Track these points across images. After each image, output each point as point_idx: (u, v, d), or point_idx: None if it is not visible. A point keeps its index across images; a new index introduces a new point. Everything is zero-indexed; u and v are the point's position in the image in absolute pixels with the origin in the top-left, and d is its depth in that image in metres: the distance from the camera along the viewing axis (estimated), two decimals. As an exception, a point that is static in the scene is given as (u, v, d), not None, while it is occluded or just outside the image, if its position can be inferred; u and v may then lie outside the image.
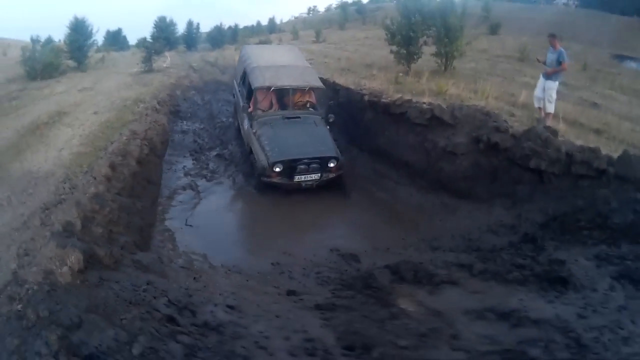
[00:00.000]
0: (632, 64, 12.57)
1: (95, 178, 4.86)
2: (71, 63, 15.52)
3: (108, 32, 30.18)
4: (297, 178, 6.98)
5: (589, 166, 5.56)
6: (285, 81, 7.90)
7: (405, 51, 11.01)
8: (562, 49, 6.99)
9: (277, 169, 6.87)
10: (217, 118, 11.76)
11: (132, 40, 30.04)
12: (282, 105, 8.12)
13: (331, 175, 7.27)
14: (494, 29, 16.60)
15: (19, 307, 2.59)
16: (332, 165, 7.19)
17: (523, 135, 6.18)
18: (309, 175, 7.05)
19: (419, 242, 6.20)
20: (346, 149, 9.08)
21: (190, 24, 30.32)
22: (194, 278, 4.29)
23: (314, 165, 7.02)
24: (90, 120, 8.10)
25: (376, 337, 2.79)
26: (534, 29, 15.38)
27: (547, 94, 6.94)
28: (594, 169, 5.51)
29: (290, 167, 6.93)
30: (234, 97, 10.37)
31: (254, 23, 39.49)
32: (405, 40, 10.77)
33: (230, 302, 3.51)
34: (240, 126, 8.91)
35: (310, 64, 15.21)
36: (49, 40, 17.66)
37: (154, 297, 3.25)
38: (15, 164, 5.79)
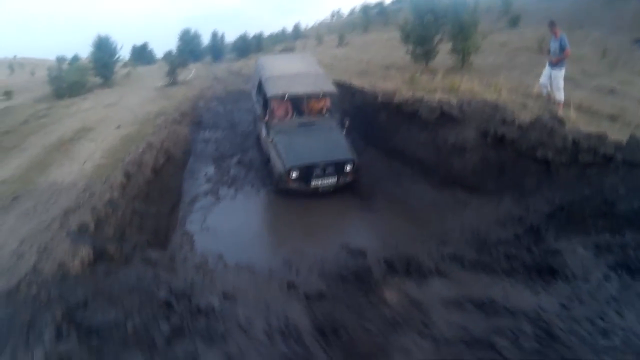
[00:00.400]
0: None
1: (111, 186, 5.49)
2: (97, 80, 16.83)
3: (134, 47, 32.08)
4: (314, 183, 7.33)
5: (595, 153, 5.60)
6: (299, 89, 8.31)
7: (420, 50, 11.29)
8: (563, 36, 7.09)
9: (294, 175, 7.22)
10: (238, 126, 12.48)
11: (159, 53, 31.83)
12: (298, 113, 8.58)
13: (348, 179, 7.57)
14: (513, 22, 16.63)
15: (35, 290, 3.15)
16: (348, 168, 7.48)
17: (529, 126, 6.31)
18: (325, 180, 7.38)
19: (429, 238, 6.42)
20: (364, 150, 9.54)
21: (214, 35, 31.76)
22: (202, 273, 4.79)
23: (330, 170, 7.34)
24: (112, 134, 8.91)
25: (349, 323, 3.10)
26: (554, 18, 15.18)
27: (554, 83, 7.04)
28: (601, 156, 5.55)
29: (307, 173, 7.25)
30: (253, 105, 11.00)
31: (279, 31, 40.70)
32: (419, 40, 11.07)
33: (227, 292, 3.94)
34: (259, 134, 9.46)
35: (331, 68, 15.89)
36: (76, 59, 19.19)
37: (157, 287, 3.74)
38: (42, 177, 6.54)
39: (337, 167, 7.39)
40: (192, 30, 29.81)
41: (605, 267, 3.99)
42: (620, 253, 4.19)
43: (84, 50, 17.15)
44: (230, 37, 34.64)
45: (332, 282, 4.36)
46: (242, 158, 9.81)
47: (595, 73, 9.49)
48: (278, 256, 5.87)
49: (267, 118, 8.28)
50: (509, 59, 11.51)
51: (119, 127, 9.52)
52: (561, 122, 6.23)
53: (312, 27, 40.88)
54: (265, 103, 8.56)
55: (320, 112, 8.67)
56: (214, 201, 7.85)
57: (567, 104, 7.19)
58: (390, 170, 8.69)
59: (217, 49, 31.35)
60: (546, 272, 3.90)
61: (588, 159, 5.65)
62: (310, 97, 8.49)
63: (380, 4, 31.63)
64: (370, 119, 9.91)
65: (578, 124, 6.51)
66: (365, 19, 28.23)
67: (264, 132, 8.51)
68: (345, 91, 10.99)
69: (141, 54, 31.26)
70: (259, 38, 32.90)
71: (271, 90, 8.26)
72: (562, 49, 7.03)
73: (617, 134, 5.86)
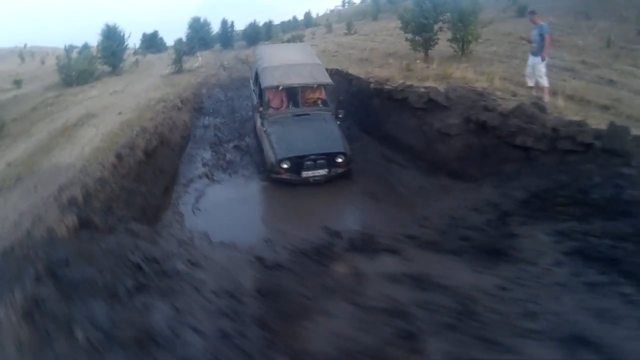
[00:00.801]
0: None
1: (103, 166, 6.12)
2: (106, 68, 17.68)
3: (144, 35, 33.04)
4: (304, 174, 7.65)
5: (574, 141, 5.90)
6: (294, 80, 8.64)
7: (420, 38, 11.62)
8: (543, 24, 7.39)
9: (285, 166, 7.57)
10: (237, 113, 13.10)
11: (169, 41, 32.69)
12: (293, 103, 8.97)
13: (340, 170, 7.86)
14: (521, 11, 16.70)
15: (25, 249, 3.77)
16: (340, 160, 7.77)
17: (510, 113, 6.64)
18: (316, 171, 7.69)
19: (410, 222, 6.86)
20: (357, 136, 10.06)
21: (224, 22, 32.37)
22: (183, 247, 5.36)
23: (321, 161, 7.64)
24: (113, 120, 9.59)
25: (289, 289, 3.56)
26: (561, 9, 15.50)
27: (536, 71, 7.34)
28: (579, 144, 5.84)
29: (298, 164, 7.58)
30: (251, 94, 11.51)
31: (291, 19, 41.17)
32: (418, 28, 11.40)
33: (195, 260, 4.50)
34: (255, 123, 9.94)
35: (335, 55, 16.33)
36: (86, 47, 20.09)
37: (132, 252, 4.30)
38: (45, 160, 7.23)
39: (329, 159, 7.69)
40: (202, 18, 30.61)
41: (560, 253, 4.20)
42: (581, 240, 4.39)
43: (95, 39, 18.02)
44: (241, 24, 35.32)
45: (295, 256, 4.85)
46: (239, 143, 10.41)
47: (597, 64, 9.69)
48: (261, 235, 6.36)
49: (262, 108, 8.64)
50: (512, 48, 11.74)
51: (120, 113, 10.20)
52: (543, 109, 6.54)
53: (324, 15, 41.29)
54: (261, 93, 8.94)
55: (315, 103, 9.00)
56: (209, 184, 8.41)
57: (556, 92, 7.47)
58: (381, 156, 9.11)
59: (226, 36, 31.99)
60: (494, 254, 4.20)
61: (567, 147, 5.93)
62: (305, 88, 8.80)
63: (390, -8, 31.68)
64: (364, 105, 10.35)
65: (566, 112, 6.78)
66: (375, 8, 28.49)
67: (258, 123, 8.93)
68: (342, 79, 11.44)
69: (152, 42, 32.18)
70: (269, 26, 33.42)
71: (266, 81, 8.61)
72: (541, 36, 7.31)
73: (605, 124, 6.10)
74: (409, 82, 8.96)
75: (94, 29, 18.15)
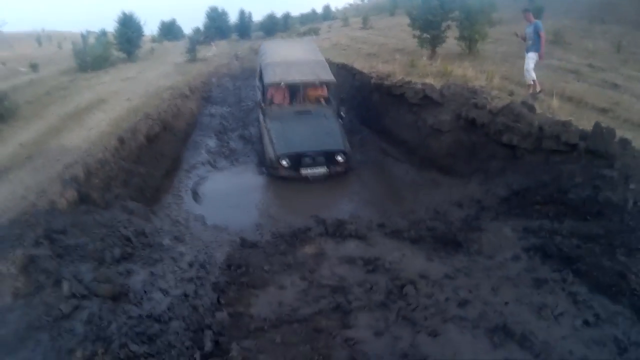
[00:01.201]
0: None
1: (105, 148, 6.70)
2: (121, 55, 18.43)
3: (162, 23, 33.87)
4: (303, 171, 7.73)
5: (559, 140, 6.14)
6: (296, 76, 8.74)
7: (427, 35, 11.92)
8: (537, 21, 7.65)
9: (284, 162, 7.65)
10: (243, 102, 13.64)
11: (187, 29, 33.44)
12: (295, 100, 9.02)
13: (339, 169, 7.96)
14: (537, 13, 16.80)
15: (28, 218, 4.34)
16: (340, 159, 7.85)
17: (499, 111, 6.94)
18: (315, 169, 7.77)
19: (396, 214, 7.23)
20: (358, 130, 10.50)
21: (242, 13, 32.88)
22: (176, 226, 5.90)
23: (320, 159, 7.72)
24: (121, 106, 10.16)
25: (254, 264, 4.03)
26: (577, 12, 15.62)
27: (525, 64, 7.60)
28: (563, 143, 6.06)
29: (297, 161, 7.66)
30: (255, 88, 11.87)
31: (309, 11, 41.57)
32: (425, 25, 11.70)
33: (181, 237, 5.02)
34: (258, 118, 10.23)
35: (346, 49, 16.68)
36: (104, 33, 20.84)
37: (125, 227, 4.83)
38: (53, 141, 7.81)
39: (328, 157, 7.76)
40: (220, 8, 31.20)
41: (520, 248, 4.51)
42: (546, 238, 4.67)
43: (112, 25, 18.78)
44: (259, 15, 35.84)
45: (274, 238, 5.31)
46: (243, 132, 10.92)
47: (603, 67, 9.81)
48: (253, 221, 6.81)
49: (263, 104, 8.80)
50: (521, 49, 11.82)
51: (129, 99, 10.79)
52: (532, 108, 6.81)
53: (342, 9, 41.59)
54: (263, 89, 9.08)
55: (317, 100, 9.15)
56: (211, 170, 8.92)
57: (552, 92, 7.69)
58: (378, 149, 9.51)
59: (244, 27, 32.50)
60: (454, 245, 4.51)
61: (552, 146, 6.13)
62: (307, 85, 8.90)
63: (409, -12, 31.60)
64: (365, 99, 10.76)
65: (559, 113, 6.98)
66: (393, 3, 28.64)
67: (260, 118, 9.16)
68: (347, 72, 11.85)
69: (169, 30, 32.97)
70: (286, 18, 33.86)
71: (268, 77, 8.75)
72: (537, 34, 7.58)
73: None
74: (409, 78, 9.28)
75: (113, 15, 18.92)
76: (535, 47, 7.69)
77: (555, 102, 7.39)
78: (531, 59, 7.67)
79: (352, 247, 4.54)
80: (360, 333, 2.90)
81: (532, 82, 7.73)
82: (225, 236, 5.66)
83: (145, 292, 3.24)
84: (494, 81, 8.67)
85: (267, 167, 8.13)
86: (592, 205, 5.04)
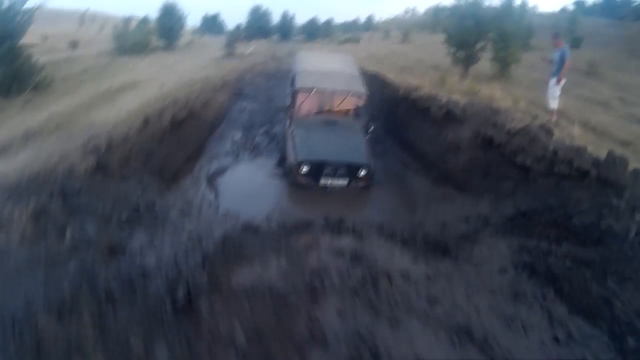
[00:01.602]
0: None
1: (130, 126, 7.19)
2: (160, 43, 19.34)
3: (205, 16, 35.14)
4: (323, 181, 7.58)
5: (571, 166, 6.20)
6: (327, 85, 8.76)
7: (461, 54, 12.13)
8: (565, 48, 7.67)
9: (304, 169, 7.52)
10: (273, 101, 14.11)
11: (230, 25, 34.54)
12: (324, 110, 8.89)
13: (361, 184, 7.80)
14: (575, 43, 16.89)
15: (47, 177, 4.79)
16: (362, 173, 7.67)
17: (517, 132, 7.04)
18: (336, 180, 7.62)
19: (405, 223, 7.38)
20: (382, 139, 10.70)
21: (285, 15, 33.78)
22: (188, 206, 6.27)
23: (342, 171, 7.58)
24: (153, 91, 10.74)
25: (247, 246, 4.21)
26: (616, 45, 15.76)
27: (550, 92, 7.65)
28: (575, 169, 6.12)
29: (317, 169, 7.53)
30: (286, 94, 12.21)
31: (352, 20, 42.33)
32: (460, 44, 11.95)
33: (187, 213, 5.37)
34: (285, 124, 10.25)
35: (381, 61, 16.99)
36: (146, 20, 21.88)
37: (137, 197, 5.25)
38: (83, 115, 8.40)
39: (350, 170, 7.62)
40: (263, 7, 32.19)
41: (510, 263, 4.59)
42: (539, 257, 4.72)
43: (156, 13, 19.68)
44: (302, 18, 36.70)
45: (277, 228, 5.58)
46: (269, 129, 11.38)
47: (634, 102, 9.77)
48: (265, 212, 6.85)
49: (292, 110, 8.79)
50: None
51: (161, 85, 11.41)
52: (549, 132, 6.88)
53: (385, 21, 42.14)
54: (294, 95, 9.12)
55: (347, 112, 9.06)
56: (232, 161, 9.34)
57: (572, 120, 7.74)
58: (399, 161, 9.74)
59: (285, 28, 33.42)
60: (444, 252, 4.65)
61: (564, 171, 6.23)
62: (337, 96, 8.84)
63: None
64: (392, 111, 11.01)
65: (578, 141, 7.05)
66: (434, 20, 28.90)
67: (287, 124, 9.13)
68: (378, 82, 12.14)
69: (212, 24, 34.23)
70: (328, 24, 34.58)
71: (299, 82, 8.84)
72: (562, 60, 7.63)
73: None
74: (432, 93, 9.48)
75: (160, 3, 19.82)
76: (558, 73, 7.76)
77: (576, 130, 7.42)
78: (557, 87, 7.73)
79: (345, 242, 4.70)
80: (325, 313, 3.09)
81: (553, 109, 7.78)
82: (231, 220, 5.95)
83: (140, 250, 3.57)
84: (520, 104, 8.75)
85: (286, 173, 8.07)
86: (593, 232, 5.07)
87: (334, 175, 7.60)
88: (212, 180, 8.27)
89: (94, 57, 15.97)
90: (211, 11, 36.39)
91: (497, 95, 9.32)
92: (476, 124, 7.84)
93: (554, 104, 7.82)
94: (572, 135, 7.31)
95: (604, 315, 3.78)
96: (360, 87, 9.02)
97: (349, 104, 8.96)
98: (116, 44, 16.86)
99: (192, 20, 25.46)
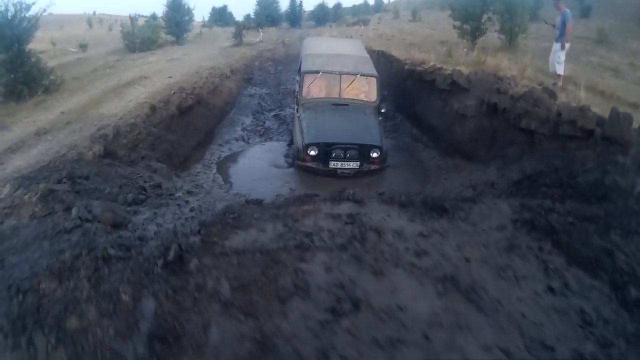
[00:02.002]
0: None
1: (137, 114, 7.41)
2: (169, 38, 19.61)
3: (214, 9, 35.39)
4: (332, 164, 7.32)
5: (575, 126, 6.12)
6: (335, 67, 8.54)
7: (467, 27, 12.00)
8: (567, 10, 7.47)
9: (312, 152, 7.30)
10: (282, 85, 14.34)
11: (238, 16, 34.64)
12: (332, 93, 8.59)
13: (373, 167, 7.53)
14: (585, 12, 16.75)
15: (56, 164, 5.02)
16: (374, 155, 7.43)
17: (521, 97, 6.95)
18: (346, 163, 7.35)
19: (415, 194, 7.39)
20: (392, 115, 10.90)
21: (293, 1, 33.69)
22: (197, 187, 6.46)
23: (353, 153, 7.31)
24: (161, 82, 10.96)
25: (247, 213, 4.30)
26: (626, 14, 15.50)
27: (555, 57, 7.49)
28: (579, 129, 6.04)
29: (326, 152, 7.30)
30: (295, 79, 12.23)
31: (362, 2, 41.82)
32: (465, 17, 11.84)
33: (194, 191, 5.55)
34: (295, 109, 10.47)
35: (391, 39, 16.84)
36: (154, 17, 22.19)
37: (144, 180, 5.45)
38: (93, 110, 8.62)
39: (362, 152, 7.37)
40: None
41: (509, 220, 4.52)
42: (540, 215, 4.62)
43: (163, 9, 19.98)
44: (311, 4, 36.58)
45: (280, 200, 5.70)
46: (279, 113, 11.63)
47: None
48: (275, 192, 6.88)
49: (300, 95, 8.54)
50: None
51: (170, 77, 11.62)
52: (552, 95, 6.78)
53: (394, 1, 41.52)
54: (301, 78, 8.80)
55: (357, 94, 8.71)
56: (243, 145, 9.55)
57: (579, 85, 7.55)
58: (409, 135, 9.91)
59: (294, 15, 33.46)
60: (441, 212, 4.56)
61: (569, 132, 6.15)
62: (347, 78, 8.52)
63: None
64: (400, 86, 11.00)
65: (585, 104, 6.92)
66: (444, -2, 28.53)
67: (295, 108, 8.87)
68: (385, 60, 12.12)
69: (221, 16, 34.45)
70: (337, 8, 34.37)
71: (306, 65, 8.72)
72: (563, 23, 7.45)
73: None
74: (441, 65, 9.41)
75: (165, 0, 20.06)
76: (562, 37, 7.60)
77: (583, 94, 7.26)
78: (561, 51, 7.57)
79: (344, 208, 4.68)
80: (311, 267, 3.17)
81: (560, 74, 7.63)
82: (238, 198, 6.10)
83: (142, 225, 3.75)
84: (526, 72, 8.61)
85: (294, 157, 7.88)
86: (598, 189, 5.05)
87: (344, 157, 7.34)
88: (222, 165, 8.45)
89: (103, 56, 16.31)
90: (218, 4, 36.57)
91: (503, 64, 9.18)
92: (481, 91, 7.78)
93: (560, 69, 7.67)
94: (579, 98, 7.18)
95: (605, 267, 3.73)
96: (370, 69, 8.84)
97: (359, 85, 8.72)
98: (125, 42, 17.18)
99: (201, 13, 25.57)
